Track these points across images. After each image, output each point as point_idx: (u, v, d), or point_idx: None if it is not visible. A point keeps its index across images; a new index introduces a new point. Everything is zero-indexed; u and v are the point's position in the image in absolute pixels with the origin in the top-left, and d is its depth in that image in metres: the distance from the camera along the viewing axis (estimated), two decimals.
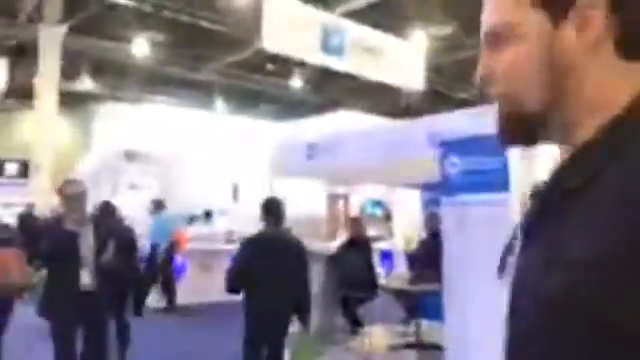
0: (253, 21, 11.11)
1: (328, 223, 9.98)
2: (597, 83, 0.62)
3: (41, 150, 10.61)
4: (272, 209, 3.86)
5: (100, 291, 3.87)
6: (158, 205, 8.24)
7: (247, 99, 15.72)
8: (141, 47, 12.03)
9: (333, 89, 16.05)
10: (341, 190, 12.33)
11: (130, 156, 8.88)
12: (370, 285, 5.31)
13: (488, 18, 0.70)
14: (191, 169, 10.68)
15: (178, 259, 8.23)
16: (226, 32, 11.47)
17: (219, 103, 14.80)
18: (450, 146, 2.86)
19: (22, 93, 11.05)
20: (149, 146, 9.27)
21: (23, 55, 11.75)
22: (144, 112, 9.87)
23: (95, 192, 8.94)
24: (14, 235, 4.17)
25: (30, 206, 9.65)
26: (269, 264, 3.65)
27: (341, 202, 12.62)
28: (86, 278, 3.79)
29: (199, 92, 14.79)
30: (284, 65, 14.10)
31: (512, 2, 0.66)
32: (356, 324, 5.23)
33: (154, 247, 7.82)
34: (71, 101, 13.79)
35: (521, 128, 0.68)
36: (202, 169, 10.74)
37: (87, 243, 3.80)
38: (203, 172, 10.67)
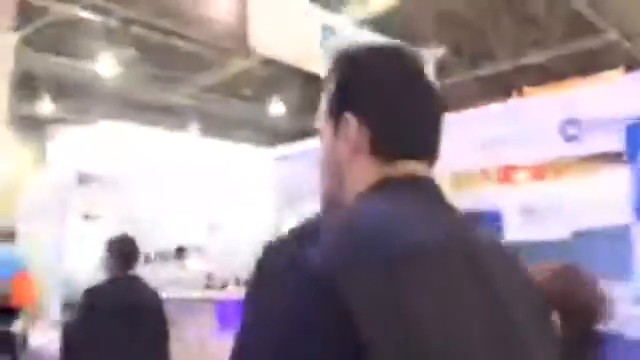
0: (233, 38, 10.18)
1: None
2: (357, 177, 0.86)
3: None
4: (120, 249, 3.14)
5: None
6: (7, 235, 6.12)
7: (223, 123, 14.64)
8: (109, 66, 10.93)
9: (314, 115, 15.15)
10: None
11: (84, 180, 7.50)
12: None
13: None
14: (160, 197, 9.08)
15: None
16: (201, 52, 10.50)
17: (193, 125, 13.67)
18: None
19: None
20: (108, 169, 7.80)
21: None
22: (103, 132, 8.32)
23: (41, 224, 7.52)
24: None
25: None
26: (118, 327, 2.84)
27: None
28: None
29: (171, 115, 13.65)
30: (262, 89, 13.20)
31: (325, 114, 0.93)
32: None
33: None
34: (26, 124, 12.44)
35: (332, 205, 0.90)
36: (173, 197, 9.13)
37: None
38: (174, 201, 9.08)
